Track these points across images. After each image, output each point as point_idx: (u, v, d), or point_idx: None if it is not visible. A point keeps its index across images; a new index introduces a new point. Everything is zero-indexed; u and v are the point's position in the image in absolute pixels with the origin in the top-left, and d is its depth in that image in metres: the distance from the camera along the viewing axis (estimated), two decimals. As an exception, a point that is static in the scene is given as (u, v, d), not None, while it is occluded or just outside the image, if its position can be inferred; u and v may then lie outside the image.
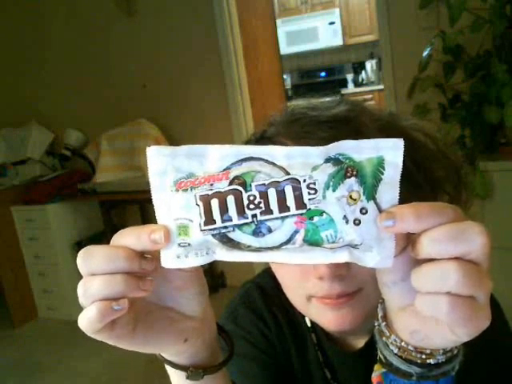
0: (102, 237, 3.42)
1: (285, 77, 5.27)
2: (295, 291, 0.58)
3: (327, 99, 0.60)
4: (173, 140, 3.20)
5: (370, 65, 5.48)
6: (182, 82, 3.24)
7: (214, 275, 3.42)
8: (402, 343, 0.40)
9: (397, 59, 2.62)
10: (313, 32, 5.42)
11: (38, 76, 3.68)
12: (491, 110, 2.04)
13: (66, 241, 3.32)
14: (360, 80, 5.60)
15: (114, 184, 3.10)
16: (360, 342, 0.65)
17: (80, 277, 0.39)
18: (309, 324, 0.69)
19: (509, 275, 2.05)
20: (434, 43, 2.27)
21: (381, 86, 4.45)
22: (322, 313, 0.56)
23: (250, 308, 0.72)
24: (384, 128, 0.56)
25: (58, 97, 3.66)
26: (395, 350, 0.40)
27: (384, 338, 0.41)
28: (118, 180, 3.09)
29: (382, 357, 0.42)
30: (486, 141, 2.24)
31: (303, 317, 0.68)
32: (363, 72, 5.56)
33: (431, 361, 0.40)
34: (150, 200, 0.37)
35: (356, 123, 0.54)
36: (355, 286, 0.54)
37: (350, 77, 5.67)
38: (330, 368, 0.67)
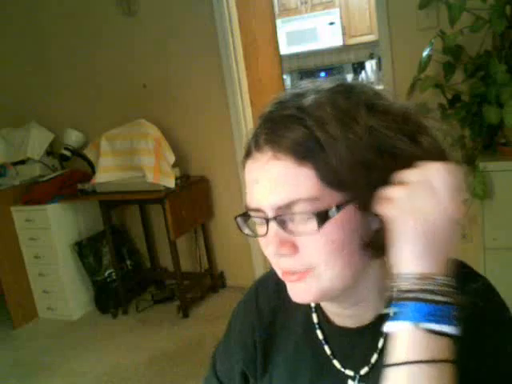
0: (101, 237, 3.43)
1: (285, 77, 5.26)
2: (271, 262, 0.64)
3: (310, 84, 0.62)
4: (173, 140, 3.20)
5: (369, 65, 5.48)
6: (182, 82, 3.24)
7: (213, 275, 3.43)
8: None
9: (397, 59, 2.62)
10: (313, 32, 5.42)
11: (38, 76, 3.69)
12: (491, 110, 2.04)
13: (65, 241, 3.32)
14: (360, 80, 5.60)
15: (114, 184, 3.10)
16: (352, 325, 0.68)
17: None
18: (312, 304, 0.73)
19: (509, 275, 2.05)
20: (434, 43, 2.27)
21: (381, 86, 4.44)
22: (287, 285, 0.63)
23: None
24: (347, 121, 0.56)
25: (58, 97, 3.66)
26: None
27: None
28: (118, 180, 3.09)
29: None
30: (485, 141, 2.24)
31: None
32: (363, 72, 5.55)
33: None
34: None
35: (317, 117, 0.56)
36: (303, 265, 0.59)
37: (349, 77, 5.66)
38: (329, 345, 0.70)
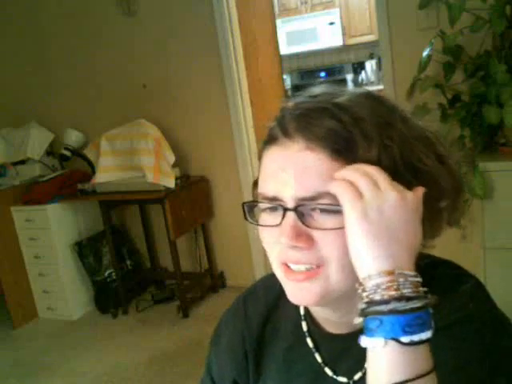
0: (101, 237, 3.43)
1: (285, 77, 5.27)
2: (273, 258, 0.62)
3: (339, 88, 0.62)
4: (173, 140, 3.20)
5: (369, 65, 5.48)
6: (182, 82, 3.24)
7: (213, 275, 3.43)
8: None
9: (397, 59, 2.62)
10: (313, 32, 5.42)
11: (38, 76, 3.68)
12: (491, 110, 2.04)
13: (65, 241, 3.32)
14: (360, 80, 5.60)
15: (114, 184, 3.10)
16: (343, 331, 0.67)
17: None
18: (302, 312, 0.72)
19: (509, 275, 2.05)
20: (434, 43, 2.27)
21: (380, 87, 4.44)
22: (287, 285, 0.60)
23: (267, 287, 0.78)
24: (383, 126, 0.56)
25: (58, 97, 3.66)
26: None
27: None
28: (118, 180, 3.09)
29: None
30: (485, 141, 2.24)
31: (297, 307, 0.72)
32: (363, 72, 5.55)
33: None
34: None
35: (354, 115, 0.56)
36: (316, 259, 0.57)
37: (349, 77, 5.66)
38: (320, 352, 0.69)
